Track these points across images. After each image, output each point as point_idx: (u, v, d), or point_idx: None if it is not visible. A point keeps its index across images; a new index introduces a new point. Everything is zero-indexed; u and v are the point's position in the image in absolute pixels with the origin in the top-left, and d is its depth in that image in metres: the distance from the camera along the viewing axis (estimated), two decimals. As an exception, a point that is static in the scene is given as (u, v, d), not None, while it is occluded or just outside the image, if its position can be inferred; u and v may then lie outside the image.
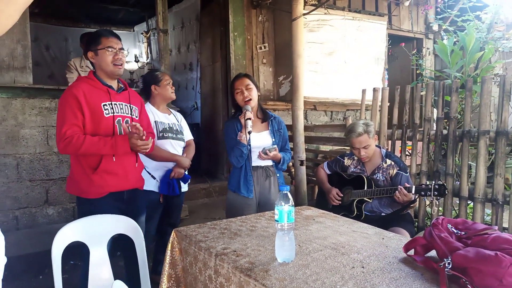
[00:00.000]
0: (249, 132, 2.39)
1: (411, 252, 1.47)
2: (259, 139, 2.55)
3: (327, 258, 1.44)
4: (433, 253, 1.44)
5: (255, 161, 2.58)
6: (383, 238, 1.69)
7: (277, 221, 1.40)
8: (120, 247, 2.49)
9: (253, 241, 1.63)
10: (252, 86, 2.58)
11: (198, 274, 1.59)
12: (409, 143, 3.47)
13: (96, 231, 1.99)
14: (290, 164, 4.76)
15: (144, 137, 2.16)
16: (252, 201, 2.58)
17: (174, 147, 2.83)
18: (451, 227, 1.40)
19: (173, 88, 2.91)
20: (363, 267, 1.37)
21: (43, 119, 3.94)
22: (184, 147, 2.97)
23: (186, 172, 2.91)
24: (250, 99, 2.55)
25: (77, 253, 2.12)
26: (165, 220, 2.90)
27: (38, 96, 3.93)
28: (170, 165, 2.79)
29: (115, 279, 1.99)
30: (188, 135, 3.07)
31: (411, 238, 2.15)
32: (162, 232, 2.92)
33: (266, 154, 2.51)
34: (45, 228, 3.82)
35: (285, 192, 1.41)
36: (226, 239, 1.66)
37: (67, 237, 1.88)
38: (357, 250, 1.54)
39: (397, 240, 1.67)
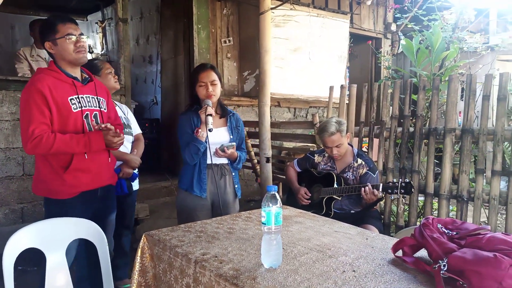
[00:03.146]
0: (210, 130, 2.24)
1: (399, 253, 1.43)
2: (216, 136, 2.39)
3: (315, 262, 1.36)
4: (420, 253, 1.40)
5: (211, 159, 2.41)
6: (366, 239, 1.64)
7: (264, 224, 1.30)
8: (77, 251, 2.30)
9: (233, 245, 1.52)
10: (217, 81, 2.41)
11: (174, 283, 1.46)
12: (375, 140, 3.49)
13: (53, 236, 1.80)
14: (255, 161, 4.68)
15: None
16: (206, 201, 2.42)
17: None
18: (441, 227, 1.36)
19: (116, 77, 2.69)
20: (354, 270, 1.30)
21: (-13, 112, 3.59)
22: (132, 142, 2.79)
23: (136, 170, 2.73)
24: (213, 95, 2.39)
25: (27, 258, 1.91)
26: (119, 222, 2.68)
27: (-18, 87, 3.57)
28: (117, 163, 2.57)
29: (74, 287, 1.83)
30: (136, 129, 2.88)
31: (380, 235, 2.13)
32: (117, 235, 2.72)
33: (223, 151, 2.37)
34: (-10, 232, 3.48)
35: (273, 192, 1.31)
36: (204, 243, 1.53)
37: (21, 243, 1.68)
38: (343, 252, 1.47)
39: (381, 240, 1.62)
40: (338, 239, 1.61)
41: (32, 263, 2.44)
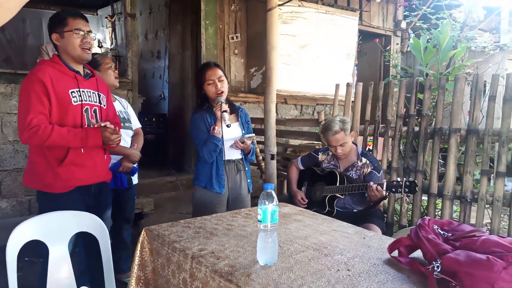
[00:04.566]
0: (228, 126, 2.29)
1: (395, 253, 1.43)
2: (231, 131, 2.45)
3: (311, 260, 1.37)
4: (416, 254, 1.41)
5: (227, 155, 2.49)
6: (364, 238, 1.64)
7: (260, 221, 1.31)
8: (80, 244, 2.34)
9: (231, 242, 1.54)
10: (224, 77, 2.48)
11: (171, 277, 1.48)
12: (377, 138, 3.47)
13: (57, 229, 1.83)
14: (260, 158, 4.69)
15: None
16: (224, 197, 2.50)
17: (122, 136, 2.64)
18: (437, 228, 1.36)
19: (116, 72, 2.67)
20: (348, 269, 1.31)
21: (-3, 105, 3.64)
22: (132, 136, 2.80)
23: (136, 164, 2.75)
24: (223, 91, 2.45)
25: (33, 250, 1.95)
26: (118, 215, 2.71)
27: (-8, 80, 3.63)
28: (116, 157, 2.60)
29: (76, 279, 1.86)
30: (136, 123, 2.88)
31: (382, 234, 2.14)
32: (117, 229, 2.76)
33: (243, 142, 2.43)
34: (-2, 223, 3.54)
35: (269, 190, 1.32)
36: (202, 239, 1.55)
37: (24, 235, 1.72)
38: (340, 251, 1.48)
39: (378, 240, 1.62)
40: (335, 238, 1.62)
41: (38, 255, 2.48)
